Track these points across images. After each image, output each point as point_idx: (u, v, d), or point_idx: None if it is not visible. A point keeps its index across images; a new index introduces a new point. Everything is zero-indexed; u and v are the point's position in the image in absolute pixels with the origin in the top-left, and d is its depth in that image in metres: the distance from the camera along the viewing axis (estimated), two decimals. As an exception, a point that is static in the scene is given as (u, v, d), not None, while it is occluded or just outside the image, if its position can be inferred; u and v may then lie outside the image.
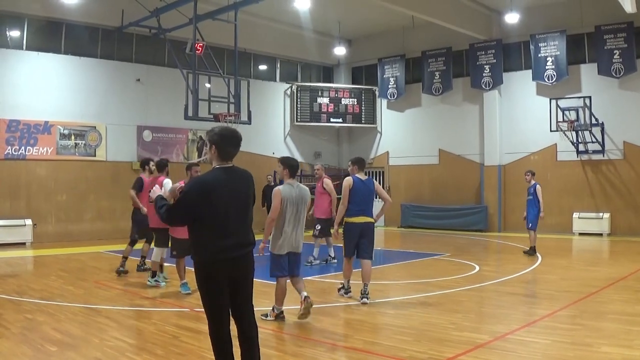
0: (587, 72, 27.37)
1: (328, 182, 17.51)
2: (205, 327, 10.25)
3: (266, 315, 10.85)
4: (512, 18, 27.03)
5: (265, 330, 10.07)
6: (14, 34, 24.15)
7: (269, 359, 8.48)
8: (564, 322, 10.46)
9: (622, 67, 25.88)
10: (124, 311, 11.60)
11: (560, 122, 25.75)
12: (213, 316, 6.88)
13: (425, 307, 12.25)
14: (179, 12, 23.73)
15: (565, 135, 26.40)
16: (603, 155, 26.38)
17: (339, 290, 13.04)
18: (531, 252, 20.32)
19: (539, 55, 28.15)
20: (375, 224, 13.00)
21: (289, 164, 11.00)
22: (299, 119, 33.24)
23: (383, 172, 34.24)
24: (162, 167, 14.59)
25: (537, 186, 20.46)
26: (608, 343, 9.05)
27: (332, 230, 14.41)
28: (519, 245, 22.77)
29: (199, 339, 9.40)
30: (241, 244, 6.73)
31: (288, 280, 10.83)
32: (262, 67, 33.41)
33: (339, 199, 13.79)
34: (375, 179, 34.24)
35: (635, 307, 11.56)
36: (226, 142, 6.76)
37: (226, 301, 6.83)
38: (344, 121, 33.81)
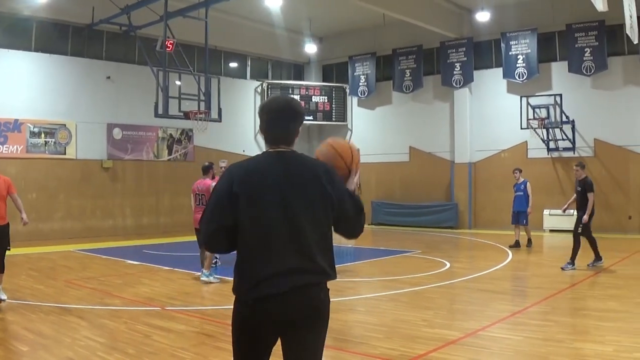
0: (558, 70, 27.50)
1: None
2: (177, 325, 10.26)
3: None
4: (483, 16, 27.18)
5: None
6: (-17, 31, 23.94)
7: (241, 356, 8.43)
8: (536, 319, 10.49)
9: (593, 65, 26.01)
10: (95, 310, 11.50)
11: (530, 119, 25.87)
12: None
13: (396, 304, 12.26)
14: (150, 9, 23.62)
15: (536, 132, 26.52)
16: (574, 153, 26.49)
17: None
18: (529, 244, 21.68)
19: (510, 53, 28.25)
20: None
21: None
22: (269, 117, 33.01)
23: (354, 170, 34.11)
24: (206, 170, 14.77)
25: (528, 183, 21.82)
26: (580, 339, 9.10)
27: None
28: (489, 242, 22.91)
29: (171, 338, 9.34)
30: (296, 271, 4.25)
31: None
32: (233, 65, 33.30)
33: None
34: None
35: (607, 303, 11.62)
36: (270, 116, 4.54)
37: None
38: (315, 119, 33.77)
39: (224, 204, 4.28)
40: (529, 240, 21.79)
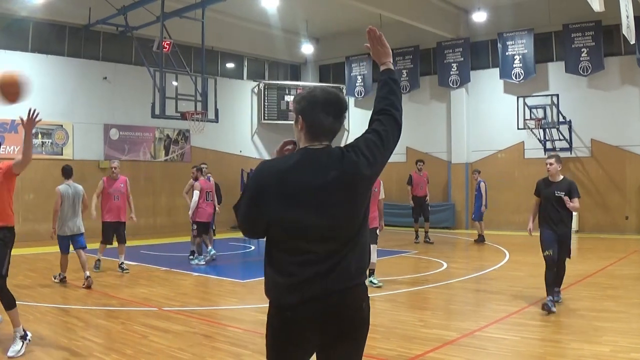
0: (555, 70, 27.51)
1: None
2: (175, 325, 10.26)
3: (55, 277, 14.79)
4: (479, 17, 27.18)
5: (236, 330, 10.05)
6: (-21, 32, 23.90)
7: (239, 357, 8.44)
8: (533, 319, 10.50)
9: (590, 65, 26.02)
10: (92, 311, 11.50)
11: (527, 120, 25.85)
12: None
13: (393, 304, 12.27)
14: (147, 10, 23.59)
15: (533, 133, 26.49)
16: (570, 153, 26.47)
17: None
18: (480, 240, 23.49)
19: (507, 54, 28.25)
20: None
21: (63, 169, 15.32)
22: (266, 117, 33.11)
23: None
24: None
25: (482, 183, 23.74)
26: (577, 339, 9.09)
27: None
28: (486, 243, 22.90)
29: (168, 338, 9.34)
30: (333, 276, 3.96)
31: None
32: (230, 65, 33.29)
33: None
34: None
35: (604, 304, 11.63)
36: (318, 108, 4.14)
37: None
38: (312, 119, 33.71)
39: (257, 204, 4.03)
40: (479, 236, 23.61)
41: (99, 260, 16.85)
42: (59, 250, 14.36)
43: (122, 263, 16.60)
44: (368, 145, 4.27)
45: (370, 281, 13.78)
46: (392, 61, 4.71)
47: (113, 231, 16.79)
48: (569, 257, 11.75)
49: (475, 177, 24.06)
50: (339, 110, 4.20)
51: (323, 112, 4.12)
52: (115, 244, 16.76)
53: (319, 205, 3.93)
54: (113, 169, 17.29)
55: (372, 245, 13.34)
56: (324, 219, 3.93)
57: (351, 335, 4.11)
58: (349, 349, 4.15)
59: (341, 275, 3.95)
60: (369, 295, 4.22)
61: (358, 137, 4.31)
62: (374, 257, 13.92)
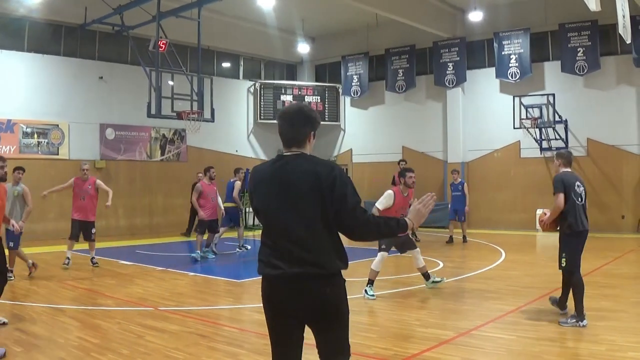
0: (551, 69, 27.55)
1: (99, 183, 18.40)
2: (171, 325, 10.24)
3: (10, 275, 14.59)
4: (475, 16, 27.20)
5: (232, 329, 10.04)
6: (-24, 31, 23.87)
7: (235, 357, 8.43)
8: (529, 318, 10.49)
9: (586, 64, 26.05)
10: (88, 311, 11.48)
11: (523, 119, 25.89)
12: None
13: (389, 304, 12.27)
14: (143, 9, 23.57)
15: (529, 132, 26.56)
16: (566, 152, 26.46)
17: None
18: (464, 240, 23.54)
19: (503, 53, 28.28)
20: None
21: (22, 169, 15.79)
22: (262, 117, 33.12)
23: (347, 169, 34.01)
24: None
25: (465, 184, 23.82)
26: (573, 338, 9.11)
27: None
28: (482, 242, 22.93)
29: (164, 338, 9.33)
30: (283, 260, 4.72)
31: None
32: (226, 65, 33.27)
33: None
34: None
35: (600, 303, 11.63)
36: (283, 121, 5.00)
37: (279, 341, 5.04)
38: (308, 119, 33.67)
39: (251, 199, 5.07)
40: (464, 237, 23.56)
41: (68, 257, 17.27)
42: (16, 247, 14.96)
43: (92, 257, 17.68)
44: (344, 178, 4.97)
45: (365, 291, 12.88)
46: (415, 227, 5.65)
47: (80, 229, 17.67)
48: (560, 268, 11.18)
49: (454, 177, 23.92)
50: (297, 120, 4.96)
51: (286, 124, 4.97)
52: (86, 244, 17.83)
53: (282, 197, 4.78)
54: (85, 170, 17.77)
55: (379, 253, 13.37)
56: (285, 208, 4.77)
57: (315, 319, 4.82)
58: (318, 332, 4.88)
59: (301, 261, 4.69)
60: (343, 286, 4.98)
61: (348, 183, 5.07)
62: (377, 266, 13.22)
